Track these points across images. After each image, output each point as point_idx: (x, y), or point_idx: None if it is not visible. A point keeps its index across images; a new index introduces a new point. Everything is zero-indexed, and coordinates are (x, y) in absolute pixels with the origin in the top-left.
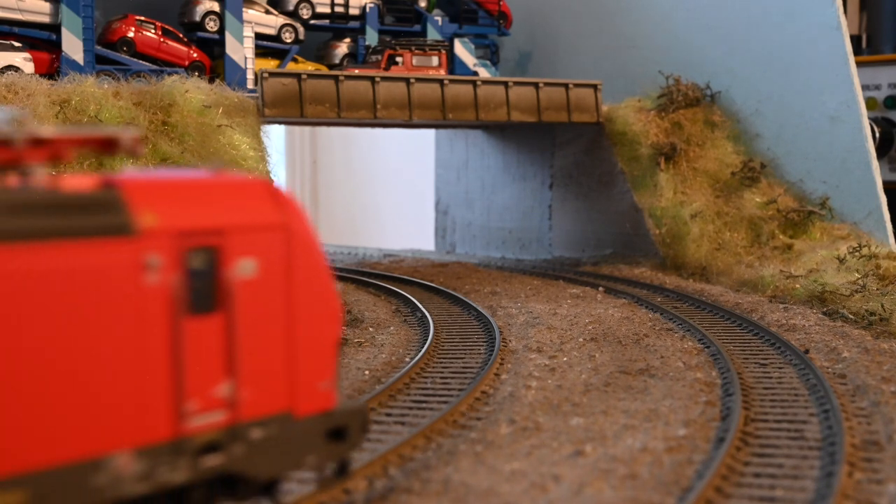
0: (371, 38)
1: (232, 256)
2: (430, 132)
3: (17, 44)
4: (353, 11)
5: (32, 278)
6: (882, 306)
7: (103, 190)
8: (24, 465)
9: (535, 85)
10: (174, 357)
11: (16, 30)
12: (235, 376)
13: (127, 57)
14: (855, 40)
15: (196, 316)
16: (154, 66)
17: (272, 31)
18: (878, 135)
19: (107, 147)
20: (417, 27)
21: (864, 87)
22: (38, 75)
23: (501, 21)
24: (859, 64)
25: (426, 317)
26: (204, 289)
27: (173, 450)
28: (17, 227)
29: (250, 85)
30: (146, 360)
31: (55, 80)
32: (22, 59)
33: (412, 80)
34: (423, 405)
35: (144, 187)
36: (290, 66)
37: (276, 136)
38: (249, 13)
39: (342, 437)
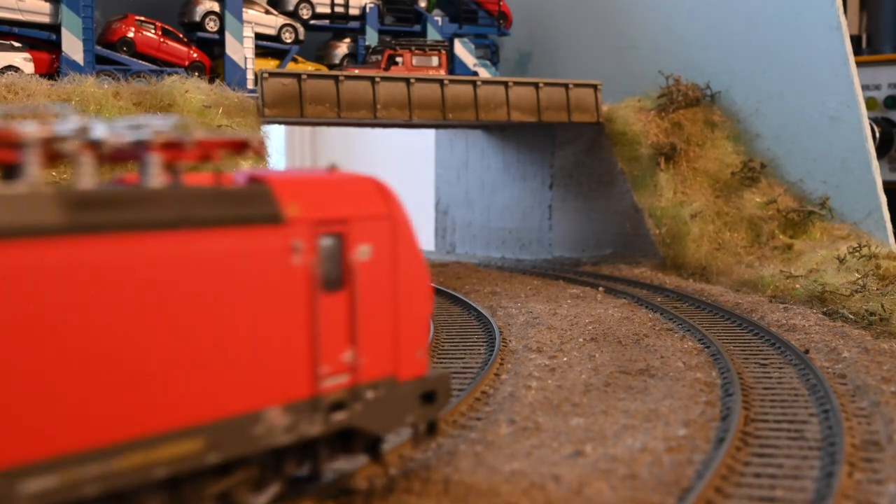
0: (371, 38)
1: (354, 242)
2: (430, 132)
3: (17, 44)
4: (353, 11)
5: (211, 259)
6: (882, 306)
7: (255, 185)
8: (202, 418)
9: (535, 85)
10: (312, 328)
11: (16, 30)
12: (356, 345)
13: (127, 57)
14: (855, 40)
15: (327, 293)
16: (154, 67)
17: (272, 32)
18: (878, 135)
19: (240, 148)
20: (417, 27)
21: (864, 87)
22: (38, 75)
23: (501, 21)
24: (859, 64)
25: None
26: (333, 269)
27: (311, 407)
28: (203, 216)
29: (250, 85)
30: (293, 329)
31: (55, 80)
32: (22, 60)
33: (412, 80)
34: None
35: (285, 183)
36: (290, 66)
37: (276, 136)
38: (249, 13)
39: (432, 400)
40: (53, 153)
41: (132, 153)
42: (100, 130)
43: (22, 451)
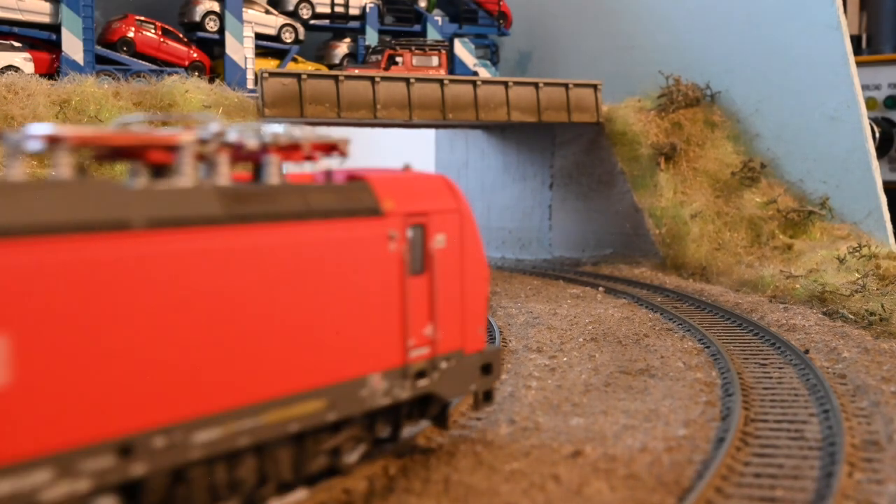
0: (371, 38)
1: (432, 232)
2: (430, 132)
3: (17, 44)
4: (353, 11)
5: (330, 245)
6: (882, 306)
7: (358, 183)
8: (324, 382)
9: (535, 85)
10: (403, 306)
11: (16, 30)
12: (435, 321)
13: (127, 57)
14: (855, 40)
15: (413, 276)
16: (154, 66)
17: (272, 31)
18: (878, 135)
19: (330, 150)
20: (417, 27)
21: (864, 87)
22: (38, 75)
23: (501, 21)
24: (859, 64)
25: None
26: (417, 256)
27: (402, 374)
28: (324, 209)
29: (250, 85)
30: (389, 306)
31: (55, 80)
32: (22, 59)
33: (412, 80)
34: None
35: (380, 180)
36: (290, 66)
37: None
38: (249, 13)
39: (489, 371)
40: (198, 155)
41: (253, 154)
42: (232, 135)
43: (196, 407)
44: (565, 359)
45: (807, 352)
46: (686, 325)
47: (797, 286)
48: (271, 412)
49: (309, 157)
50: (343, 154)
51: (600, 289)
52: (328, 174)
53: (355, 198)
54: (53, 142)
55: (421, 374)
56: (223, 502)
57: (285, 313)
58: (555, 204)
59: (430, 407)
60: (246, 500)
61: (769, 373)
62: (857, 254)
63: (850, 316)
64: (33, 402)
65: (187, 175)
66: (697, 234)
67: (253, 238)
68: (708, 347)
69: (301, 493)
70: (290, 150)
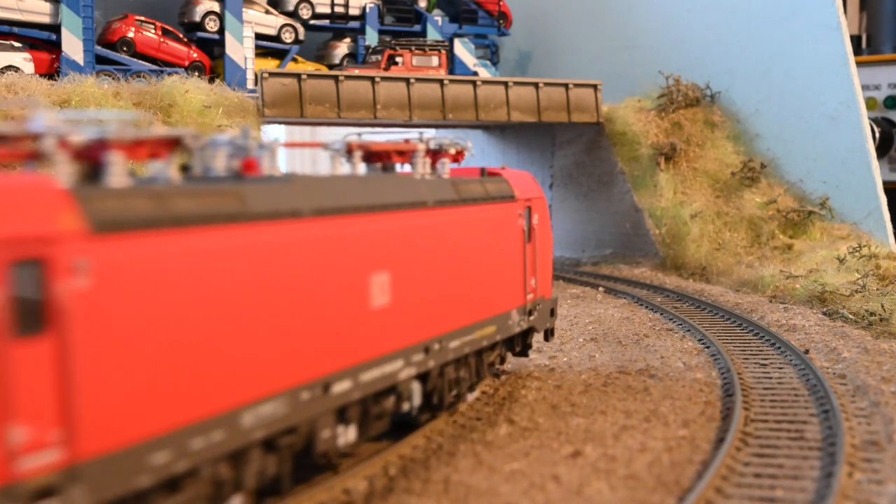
0: (371, 38)
1: (533, 213)
2: (430, 132)
3: (17, 44)
4: (353, 11)
5: (495, 219)
6: (882, 306)
7: (498, 177)
8: (493, 314)
9: (535, 85)
10: (524, 264)
11: (16, 30)
12: (535, 275)
13: (127, 57)
14: (855, 40)
15: (527, 243)
16: (154, 66)
17: (272, 31)
18: (878, 135)
19: (436, 155)
20: (417, 27)
21: (864, 87)
22: (38, 75)
23: (501, 21)
24: (859, 64)
25: None
26: (528, 229)
27: (523, 311)
28: (490, 195)
29: (250, 85)
30: (518, 264)
31: (55, 80)
32: (22, 60)
33: (412, 80)
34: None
35: (507, 175)
36: (290, 66)
37: (275, 136)
38: (249, 13)
39: (553, 314)
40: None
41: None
42: (436, 141)
43: (449, 327)
44: (565, 359)
45: (807, 352)
46: (686, 325)
47: (797, 286)
48: (476, 332)
49: (406, 160)
50: (456, 160)
51: (600, 289)
52: (482, 171)
53: (502, 188)
54: (350, 150)
55: (531, 312)
56: (453, 391)
57: (478, 264)
58: (555, 204)
59: (527, 337)
60: (459, 393)
61: (769, 373)
62: (857, 254)
63: (850, 316)
64: (398, 318)
65: (419, 169)
66: (697, 234)
67: (454, 215)
68: (708, 347)
69: (472, 395)
70: (436, 153)
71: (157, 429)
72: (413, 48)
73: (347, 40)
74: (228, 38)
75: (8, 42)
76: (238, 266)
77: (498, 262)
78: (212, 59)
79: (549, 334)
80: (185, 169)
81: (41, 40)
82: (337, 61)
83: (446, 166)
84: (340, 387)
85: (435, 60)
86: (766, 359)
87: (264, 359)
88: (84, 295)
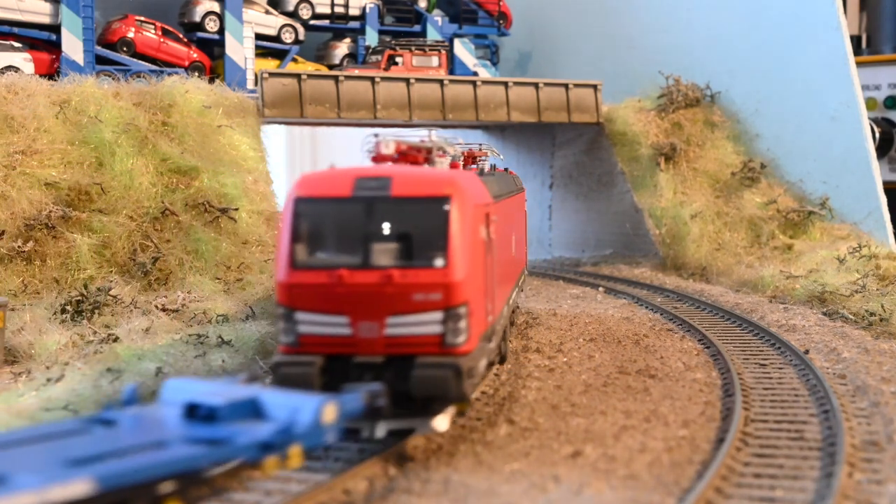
0: (371, 38)
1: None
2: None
3: (17, 44)
4: (353, 12)
5: (515, 204)
6: (882, 306)
7: (513, 175)
8: (517, 274)
9: (535, 85)
10: (525, 235)
11: (16, 30)
12: (528, 245)
13: (127, 57)
14: (855, 40)
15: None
16: (154, 67)
17: (272, 32)
18: (878, 135)
19: (472, 161)
20: (417, 27)
21: (864, 87)
22: (38, 75)
23: (501, 21)
24: (859, 64)
25: None
26: (525, 210)
27: (524, 272)
28: (515, 188)
29: (250, 85)
30: (524, 235)
31: (55, 80)
32: (22, 60)
33: (412, 81)
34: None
35: (514, 173)
36: (290, 67)
37: (276, 136)
38: (249, 13)
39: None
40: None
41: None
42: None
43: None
44: (565, 359)
45: (807, 352)
46: (686, 325)
47: (797, 286)
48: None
49: (472, 162)
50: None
51: (600, 289)
52: (506, 170)
53: (518, 182)
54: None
55: (525, 274)
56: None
57: (512, 233)
58: (555, 204)
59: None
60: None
61: (769, 373)
62: (857, 254)
63: (850, 316)
64: (513, 264)
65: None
66: (697, 234)
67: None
68: (708, 348)
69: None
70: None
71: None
72: (413, 48)
73: (347, 40)
74: (228, 38)
75: (8, 42)
76: (503, 220)
77: (518, 232)
78: (212, 59)
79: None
80: None
81: (41, 40)
82: (337, 61)
83: (482, 164)
84: (512, 297)
85: (435, 60)
86: (766, 359)
87: (508, 270)
88: (463, 220)
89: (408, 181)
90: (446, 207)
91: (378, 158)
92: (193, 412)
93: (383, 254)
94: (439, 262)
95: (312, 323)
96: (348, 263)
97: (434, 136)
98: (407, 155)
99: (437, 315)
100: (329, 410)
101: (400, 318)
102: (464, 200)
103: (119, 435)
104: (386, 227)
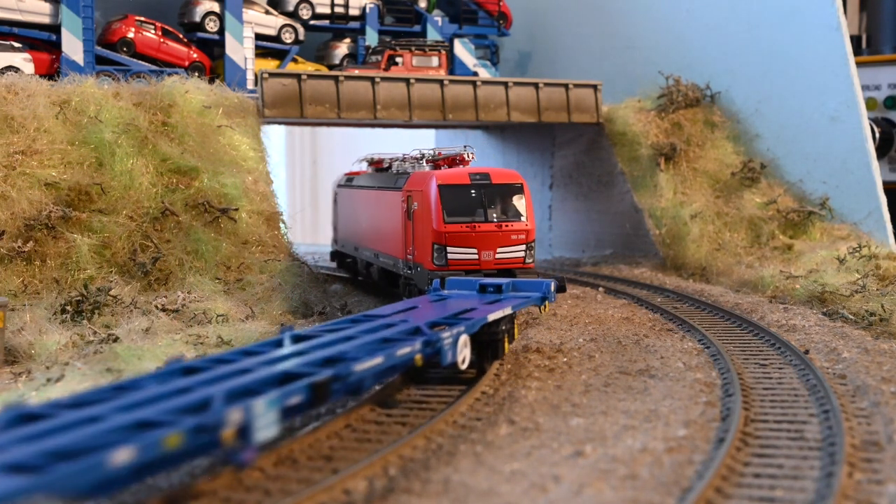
0: (371, 38)
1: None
2: (430, 132)
3: (17, 44)
4: (353, 12)
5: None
6: (882, 306)
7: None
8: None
9: (535, 85)
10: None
11: (16, 30)
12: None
13: (127, 57)
14: (855, 40)
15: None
16: (154, 67)
17: (272, 32)
18: (878, 135)
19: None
20: (417, 27)
21: (864, 87)
22: (38, 76)
23: (501, 21)
24: (859, 64)
25: None
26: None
27: None
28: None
29: (250, 85)
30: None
31: (55, 80)
32: (22, 60)
33: (412, 81)
34: (424, 406)
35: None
36: (290, 67)
37: (276, 136)
38: (249, 13)
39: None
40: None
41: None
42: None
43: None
44: (565, 359)
45: (807, 352)
46: (686, 325)
47: (797, 286)
48: None
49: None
50: (464, 162)
51: (600, 289)
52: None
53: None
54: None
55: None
56: None
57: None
58: (555, 204)
59: None
60: None
61: (769, 373)
62: (857, 254)
63: (850, 316)
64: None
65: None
66: (697, 234)
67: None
68: (708, 348)
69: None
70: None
71: None
72: (413, 48)
73: (347, 41)
74: (228, 38)
75: (8, 42)
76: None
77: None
78: (212, 59)
79: None
80: None
81: (41, 41)
82: (337, 62)
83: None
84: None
85: (435, 61)
86: (766, 359)
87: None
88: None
89: (498, 174)
90: (522, 188)
91: (433, 163)
92: (484, 290)
93: (494, 213)
94: (523, 218)
95: (456, 253)
96: (475, 220)
97: (468, 149)
98: (446, 159)
99: (522, 248)
100: (552, 285)
101: (504, 249)
102: (526, 186)
103: (456, 304)
104: (491, 200)
